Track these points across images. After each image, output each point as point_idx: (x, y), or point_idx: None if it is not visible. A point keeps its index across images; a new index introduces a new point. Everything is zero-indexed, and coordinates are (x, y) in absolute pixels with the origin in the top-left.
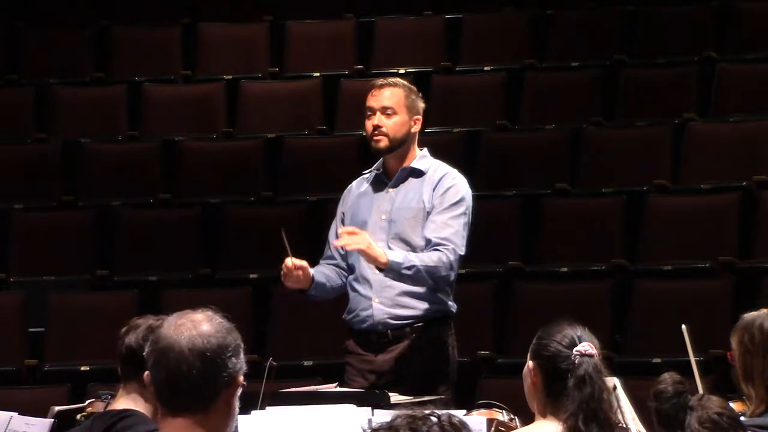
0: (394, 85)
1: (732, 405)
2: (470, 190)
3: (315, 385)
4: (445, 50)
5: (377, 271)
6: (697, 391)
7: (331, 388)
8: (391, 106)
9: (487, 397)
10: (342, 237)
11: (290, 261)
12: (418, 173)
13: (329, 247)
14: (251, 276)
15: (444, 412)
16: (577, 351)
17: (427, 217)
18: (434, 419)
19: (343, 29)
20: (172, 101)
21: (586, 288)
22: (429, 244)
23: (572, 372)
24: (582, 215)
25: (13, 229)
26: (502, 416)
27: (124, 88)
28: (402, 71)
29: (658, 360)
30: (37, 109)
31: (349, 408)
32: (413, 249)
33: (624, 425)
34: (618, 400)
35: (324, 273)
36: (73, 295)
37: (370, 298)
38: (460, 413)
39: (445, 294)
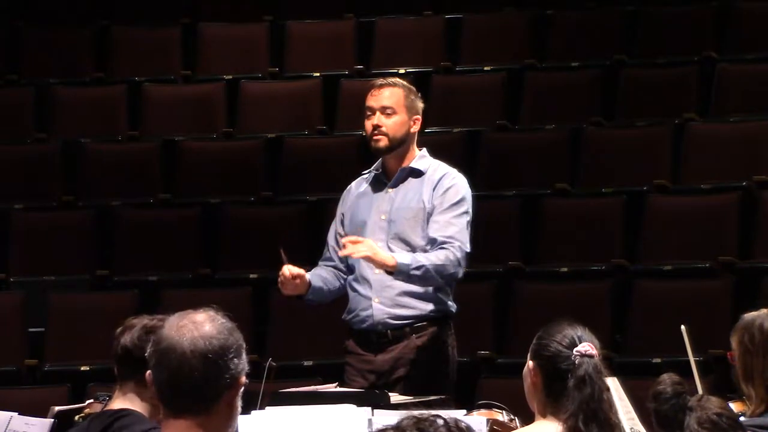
0: (394, 85)
1: (732, 405)
2: (470, 190)
3: (315, 385)
4: (445, 50)
5: (377, 271)
6: (697, 392)
7: (331, 388)
8: (391, 105)
9: (487, 397)
10: (346, 247)
11: (287, 270)
12: (418, 173)
13: (328, 249)
14: (251, 276)
15: (451, 417)
16: (577, 351)
17: (426, 217)
18: (441, 422)
19: (343, 29)
20: (172, 101)
21: (586, 288)
22: (435, 244)
23: (572, 372)
24: (582, 215)
25: (13, 229)
26: (502, 417)
27: (124, 88)
28: (402, 71)
29: (658, 360)
30: (37, 109)
31: (349, 408)
32: (413, 249)
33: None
34: (614, 398)
35: (321, 276)
36: (73, 295)
37: (369, 298)
38: (460, 413)
39: (445, 294)
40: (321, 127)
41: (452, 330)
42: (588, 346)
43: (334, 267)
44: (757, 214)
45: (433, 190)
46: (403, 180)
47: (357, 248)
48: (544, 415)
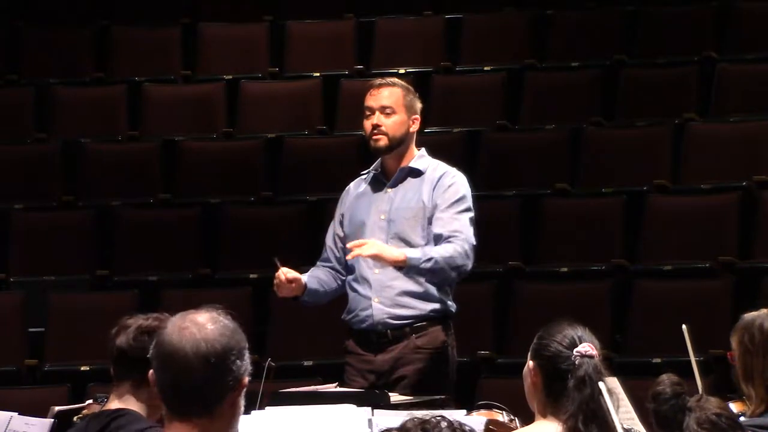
0: (393, 84)
1: (732, 405)
2: (469, 188)
3: (315, 385)
4: (445, 50)
5: (377, 271)
6: (698, 392)
7: (331, 388)
8: (390, 105)
9: (487, 397)
10: (352, 251)
11: (283, 274)
12: (417, 173)
13: (326, 250)
14: (251, 276)
15: (455, 419)
16: (577, 352)
17: (426, 217)
18: (445, 423)
19: (343, 29)
20: (172, 101)
21: (586, 288)
22: (440, 239)
23: (572, 373)
24: (582, 215)
25: (13, 229)
26: (502, 417)
27: (124, 88)
28: (402, 71)
29: (658, 360)
30: (37, 109)
31: (349, 408)
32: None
33: (618, 425)
34: (606, 401)
35: (318, 278)
36: (73, 295)
37: (369, 298)
38: (460, 413)
39: (445, 294)
40: (321, 127)
41: (452, 330)
42: (588, 347)
43: (332, 268)
44: (757, 214)
45: (433, 189)
46: (402, 180)
47: (363, 249)
48: (544, 415)
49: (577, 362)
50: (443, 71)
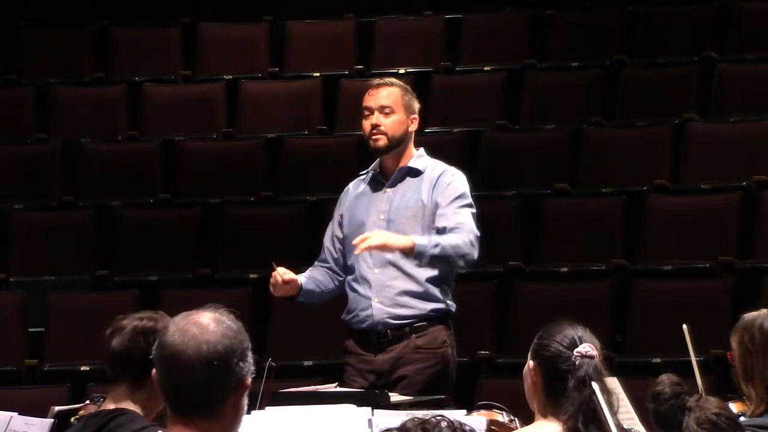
0: (391, 84)
1: (732, 405)
2: (468, 186)
3: (315, 385)
4: (445, 50)
5: (377, 271)
6: (698, 392)
7: (331, 388)
8: (389, 105)
9: (487, 397)
10: (358, 246)
11: (278, 276)
12: (416, 173)
13: (324, 250)
14: (251, 276)
15: (456, 419)
16: (577, 352)
17: (426, 216)
18: (445, 423)
19: (343, 29)
20: (172, 101)
21: (586, 288)
22: (446, 231)
23: (572, 373)
24: (582, 215)
25: (13, 229)
26: (502, 417)
27: (124, 88)
28: (402, 71)
29: (658, 360)
30: (37, 109)
31: (349, 408)
32: None
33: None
34: (600, 401)
35: (315, 279)
36: (73, 295)
37: (369, 298)
38: (460, 413)
39: (445, 293)
40: (321, 127)
41: (452, 330)
42: (588, 347)
43: (329, 268)
44: (757, 214)
45: (433, 188)
46: (401, 179)
47: (370, 240)
48: (544, 415)
49: (577, 362)
50: (443, 71)
